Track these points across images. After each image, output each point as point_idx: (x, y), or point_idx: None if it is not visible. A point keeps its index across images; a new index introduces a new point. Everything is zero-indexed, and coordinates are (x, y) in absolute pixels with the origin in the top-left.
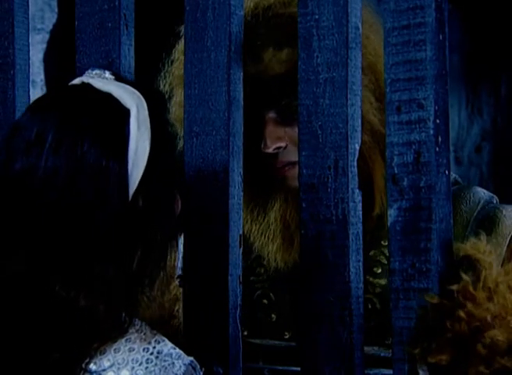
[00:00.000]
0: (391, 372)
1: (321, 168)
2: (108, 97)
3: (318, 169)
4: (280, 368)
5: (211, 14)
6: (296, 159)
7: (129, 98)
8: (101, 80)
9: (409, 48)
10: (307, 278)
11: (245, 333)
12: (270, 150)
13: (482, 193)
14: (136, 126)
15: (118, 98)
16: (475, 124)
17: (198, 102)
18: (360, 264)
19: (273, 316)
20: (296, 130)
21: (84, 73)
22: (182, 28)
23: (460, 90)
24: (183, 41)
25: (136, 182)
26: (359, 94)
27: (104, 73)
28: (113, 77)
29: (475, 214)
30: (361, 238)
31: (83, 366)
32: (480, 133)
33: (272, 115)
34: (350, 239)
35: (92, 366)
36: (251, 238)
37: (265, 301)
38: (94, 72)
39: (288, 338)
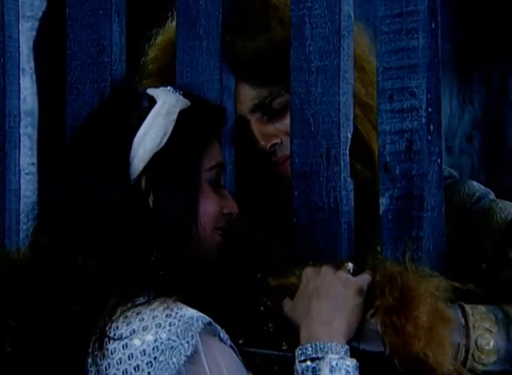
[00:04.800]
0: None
1: (313, 156)
2: (147, 96)
3: (310, 158)
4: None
5: (203, 2)
6: None
7: (163, 95)
8: (157, 90)
9: (401, 36)
10: (298, 267)
11: (240, 341)
12: (267, 148)
13: (478, 187)
14: (154, 115)
15: (155, 96)
16: (466, 113)
17: None
18: (352, 253)
19: (270, 324)
20: (287, 122)
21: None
22: (153, 32)
23: (452, 79)
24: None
25: (141, 163)
26: (351, 83)
27: (175, 92)
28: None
29: (468, 206)
30: (353, 227)
31: (111, 334)
32: (471, 123)
33: (257, 115)
34: (342, 228)
35: (118, 335)
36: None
37: (262, 308)
38: (161, 87)
39: (285, 349)
